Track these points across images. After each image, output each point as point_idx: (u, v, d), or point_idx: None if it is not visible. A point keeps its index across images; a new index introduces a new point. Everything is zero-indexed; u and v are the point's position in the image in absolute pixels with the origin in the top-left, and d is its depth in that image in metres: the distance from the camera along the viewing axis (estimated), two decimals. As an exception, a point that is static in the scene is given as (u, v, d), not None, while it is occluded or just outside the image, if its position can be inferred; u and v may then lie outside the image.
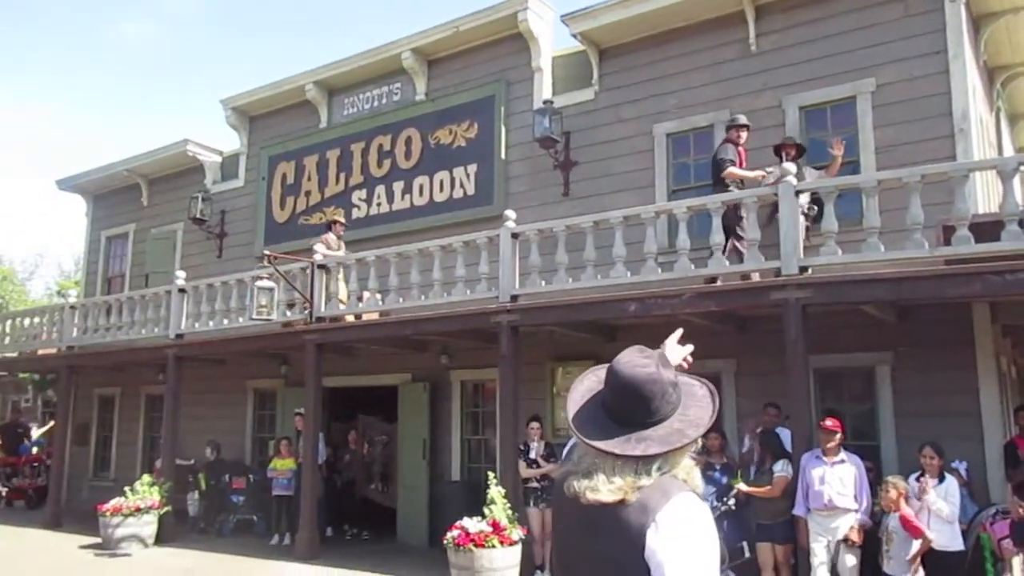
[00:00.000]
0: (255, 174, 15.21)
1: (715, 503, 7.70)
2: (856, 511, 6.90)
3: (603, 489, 1.78)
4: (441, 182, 12.65)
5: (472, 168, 12.35)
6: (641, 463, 1.80)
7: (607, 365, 1.96)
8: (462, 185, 12.45)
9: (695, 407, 1.90)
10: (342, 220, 12.17)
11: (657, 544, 1.71)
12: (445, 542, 8.46)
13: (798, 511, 7.14)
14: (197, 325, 12.73)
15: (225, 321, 12.33)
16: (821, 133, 9.64)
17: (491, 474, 8.90)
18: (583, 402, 1.96)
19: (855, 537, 6.79)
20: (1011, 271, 6.77)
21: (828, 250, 7.64)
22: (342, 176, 13.88)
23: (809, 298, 7.59)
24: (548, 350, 10.83)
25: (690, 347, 2.17)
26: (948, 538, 6.56)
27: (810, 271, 7.79)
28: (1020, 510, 6.22)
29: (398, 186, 13.16)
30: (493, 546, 8.18)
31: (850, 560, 6.83)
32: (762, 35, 10.17)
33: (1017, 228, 6.85)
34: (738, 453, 8.78)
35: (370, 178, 13.53)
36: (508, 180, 12.02)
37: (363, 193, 13.58)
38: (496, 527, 8.36)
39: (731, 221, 8.52)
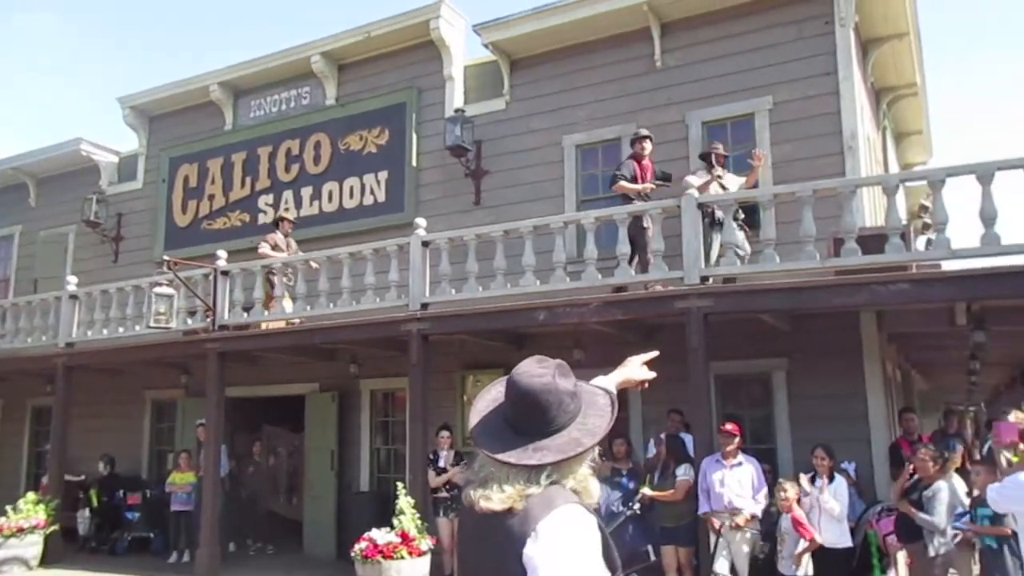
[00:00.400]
0: (155, 176, 14.62)
1: (621, 508, 7.86)
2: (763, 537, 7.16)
3: (495, 498, 1.82)
4: (351, 188, 12.49)
5: (383, 175, 12.24)
6: (533, 472, 1.84)
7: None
8: (372, 192, 12.32)
9: (594, 416, 1.94)
10: (290, 217, 11.67)
11: (534, 552, 1.75)
12: (353, 554, 8.32)
13: (703, 510, 7.35)
14: (90, 333, 12.13)
15: (120, 329, 11.79)
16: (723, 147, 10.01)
17: (400, 484, 8.81)
18: (486, 412, 1.99)
19: (740, 522, 7.02)
20: (894, 281, 7.20)
21: (728, 261, 7.93)
22: (248, 180, 13.51)
23: (710, 307, 7.85)
24: (458, 359, 10.83)
25: (652, 374, 2.26)
26: (837, 535, 6.89)
27: (711, 281, 8.06)
28: (905, 476, 6.51)
29: (306, 191, 12.91)
30: (402, 557, 8.10)
31: (740, 547, 7.05)
32: (667, 52, 10.49)
33: (899, 241, 7.29)
34: (644, 458, 8.99)
35: (277, 183, 13.22)
36: (419, 188, 11.97)
37: (270, 198, 13.25)
38: (405, 538, 8.28)
39: (634, 232, 8.69)
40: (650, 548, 7.78)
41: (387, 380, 11.50)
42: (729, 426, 7.44)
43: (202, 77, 13.87)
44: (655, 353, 2.35)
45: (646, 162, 9.32)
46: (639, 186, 9.10)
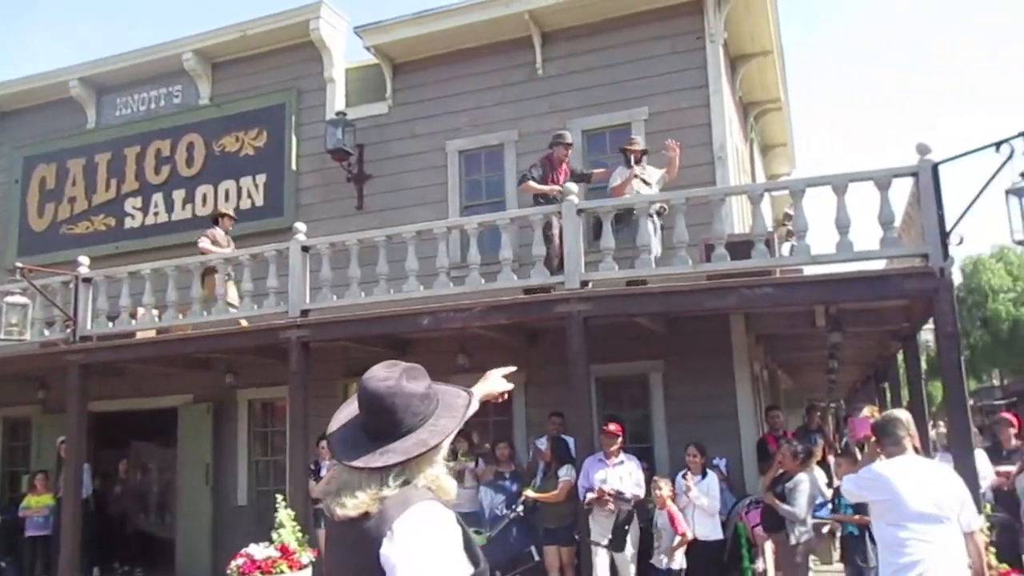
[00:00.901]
0: (6, 176, 13.58)
1: (505, 511, 7.92)
2: (632, 505, 7.35)
3: (348, 504, 1.85)
4: (227, 191, 12.03)
5: (261, 178, 11.86)
6: (384, 474, 1.87)
7: None
8: (250, 195, 11.91)
9: (447, 418, 1.98)
10: (231, 214, 10.84)
11: (390, 551, 1.78)
12: (228, 571, 7.98)
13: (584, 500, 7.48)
14: (-69, 348, 11.11)
15: (-33, 342, 10.87)
16: (603, 156, 10.28)
17: (280, 497, 8.54)
18: (345, 422, 2.01)
19: (607, 488, 7.22)
20: (760, 285, 7.60)
21: (606, 266, 8.13)
22: (113, 182, 12.77)
23: (589, 311, 8.03)
24: (341, 366, 10.60)
25: (511, 385, 2.36)
26: (709, 529, 7.19)
27: (590, 285, 8.24)
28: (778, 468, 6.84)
29: (178, 195, 12.34)
30: (281, 572, 7.83)
31: (611, 519, 7.25)
32: (548, 60, 10.68)
33: (764, 247, 7.70)
34: (527, 461, 9.09)
35: (146, 185, 12.57)
36: (299, 192, 11.67)
37: (138, 201, 12.59)
38: (285, 551, 8.01)
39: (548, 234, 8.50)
40: (533, 549, 7.94)
41: (266, 389, 11.13)
42: (612, 427, 7.61)
43: (60, 72, 13.02)
44: (513, 368, 2.44)
45: (564, 166, 9.23)
46: (546, 188, 9.04)
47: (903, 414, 4.50)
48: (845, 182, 7.55)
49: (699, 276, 8.12)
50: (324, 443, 9.14)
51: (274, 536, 8.18)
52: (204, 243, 10.19)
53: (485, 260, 8.80)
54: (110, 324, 10.29)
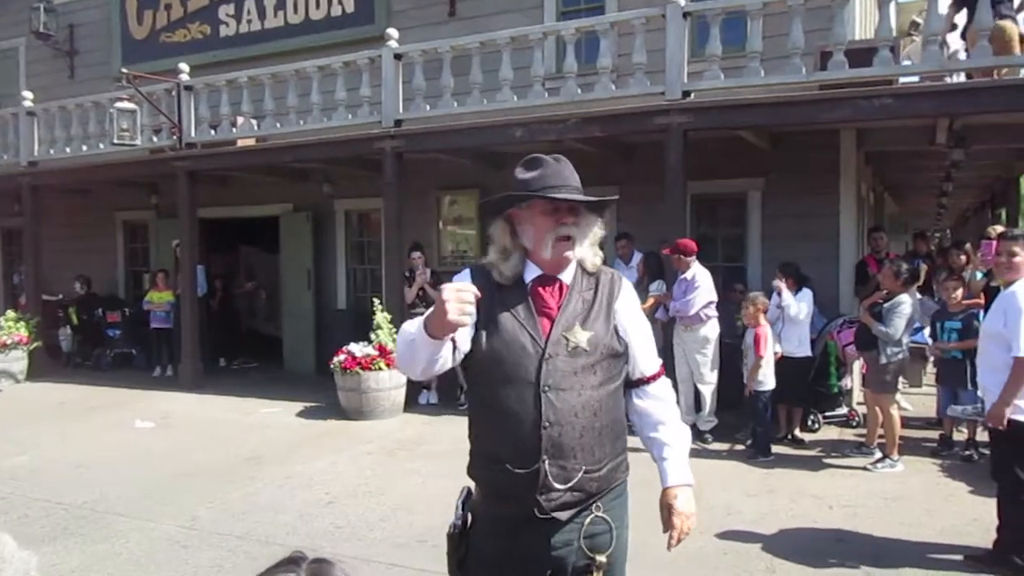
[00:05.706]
0: (104, -18, 13.62)
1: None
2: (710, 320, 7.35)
3: None
4: (317, -2, 11.76)
5: (351, -17, 11.50)
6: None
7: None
8: (340, 2, 11.61)
9: None
10: None
11: None
12: (332, 366, 8.58)
13: (660, 316, 7.61)
14: (52, 152, 11.74)
15: (84, 147, 11.42)
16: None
17: (376, 300, 8.94)
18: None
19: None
20: (878, 96, 7.03)
21: (711, 75, 7.65)
22: (206, -12, 12.65)
23: (690, 123, 7.68)
24: (434, 179, 10.65)
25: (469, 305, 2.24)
26: (796, 346, 7.14)
27: (693, 96, 7.82)
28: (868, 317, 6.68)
29: (270, 1, 12.13)
30: (380, 368, 8.37)
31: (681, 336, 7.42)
32: None
33: (888, 54, 7.04)
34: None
35: (238, -9, 12.41)
36: (390, -2, 11.28)
37: (231, 8, 12.47)
38: (382, 351, 8.52)
39: None
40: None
41: (362, 200, 11.38)
42: (689, 247, 7.36)
43: None
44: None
45: None
46: None
47: None
48: (990, -21, 6.71)
49: (811, 87, 7.58)
50: (416, 253, 9.39)
51: (372, 337, 8.67)
52: None
53: (582, 70, 8.43)
54: (212, 132, 10.55)
